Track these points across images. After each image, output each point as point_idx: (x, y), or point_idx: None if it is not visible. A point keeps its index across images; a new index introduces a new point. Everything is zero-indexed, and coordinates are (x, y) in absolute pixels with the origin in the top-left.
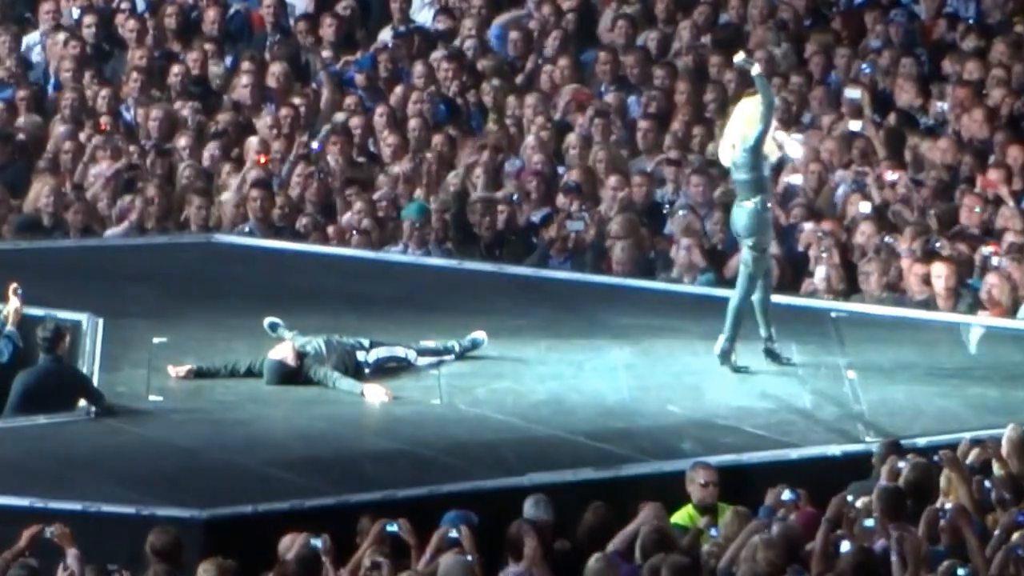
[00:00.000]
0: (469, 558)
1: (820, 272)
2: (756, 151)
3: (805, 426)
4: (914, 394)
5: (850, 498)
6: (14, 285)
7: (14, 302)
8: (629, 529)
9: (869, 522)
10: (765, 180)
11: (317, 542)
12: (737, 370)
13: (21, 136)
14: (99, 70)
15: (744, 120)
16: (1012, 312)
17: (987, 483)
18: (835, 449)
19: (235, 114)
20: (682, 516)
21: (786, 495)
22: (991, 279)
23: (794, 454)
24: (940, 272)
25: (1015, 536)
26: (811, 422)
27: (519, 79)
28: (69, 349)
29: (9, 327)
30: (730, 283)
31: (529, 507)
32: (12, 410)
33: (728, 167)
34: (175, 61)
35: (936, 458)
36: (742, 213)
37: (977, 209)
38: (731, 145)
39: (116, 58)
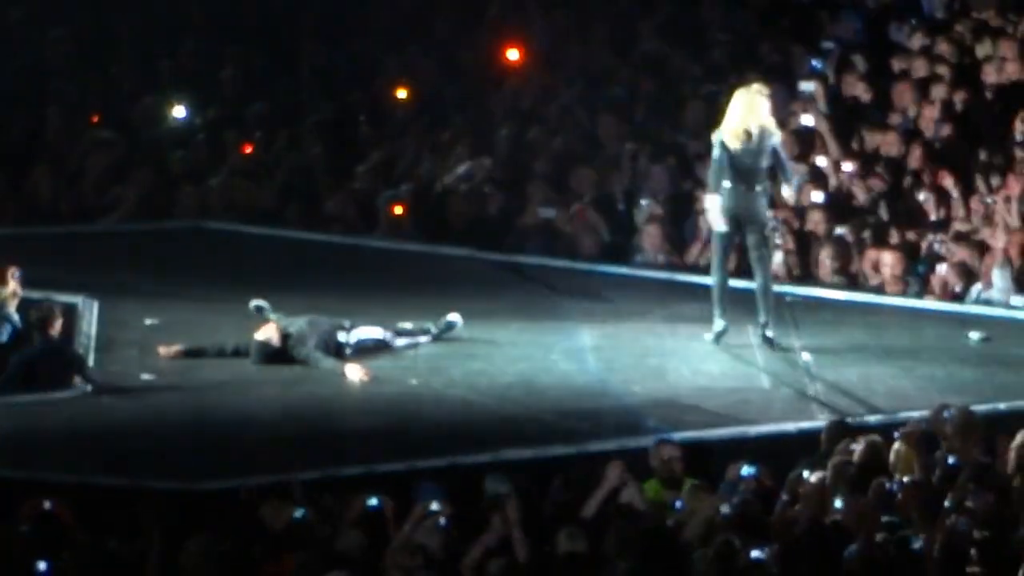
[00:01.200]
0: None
1: (776, 258)
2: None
3: (763, 405)
4: (866, 375)
5: (805, 473)
6: (12, 268)
7: (12, 284)
8: (600, 493)
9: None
10: None
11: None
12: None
13: None
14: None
15: (753, 110)
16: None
17: (933, 461)
18: (791, 426)
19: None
20: (647, 490)
21: (745, 470)
22: (941, 266)
23: (752, 431)
24: (888, 260)
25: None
26: (768, 401)
27: None
28: (65, 329)
29: (7, 309)
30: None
31: (491, 483)
32: (8, 387)
33: (731, 153)
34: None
35: (896, 434)
36: (758, 198)
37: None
38: (745, 132)
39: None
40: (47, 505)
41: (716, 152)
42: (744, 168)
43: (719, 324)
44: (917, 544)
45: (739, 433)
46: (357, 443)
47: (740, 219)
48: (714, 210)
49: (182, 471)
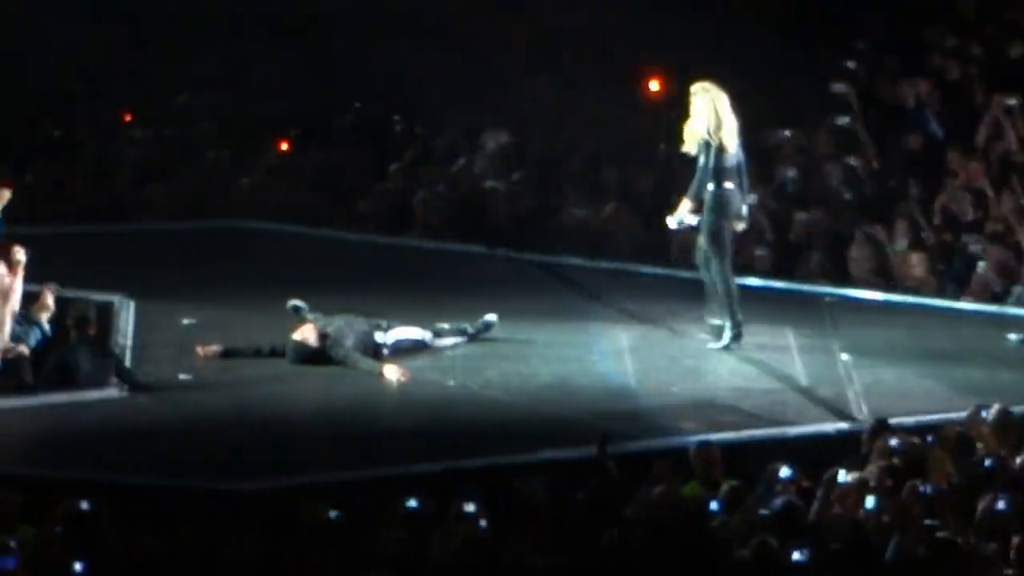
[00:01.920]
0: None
1: (814, 258)
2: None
3: (800, 405)
4: (903, 375)
5: (841, 474)
6: (53, 285)
7: (48, 300)
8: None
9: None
10: None
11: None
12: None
13: None
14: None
15: (718, 112)
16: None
17: (971, 462)
18: (829, 427)
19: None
20: (686, 492)
21: (784, 472)
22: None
23: (790, 432)
24: (920, 261)
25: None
26: (806, 402)
27: None
28: (102, 329)
29: (38, 316)
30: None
31: (523, 484)
32: (47, 387)
33: (729, 153)
34: None
35: (930, 438)
36: (738, 196)
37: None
38: (738, 131)
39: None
40: (84, 505)
41: (711, 154)
42: (733, 168)
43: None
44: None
45: (777, 434)
46: (394, 443)
47: (738, 219)
48: (689, 216)
49: (219, 471)
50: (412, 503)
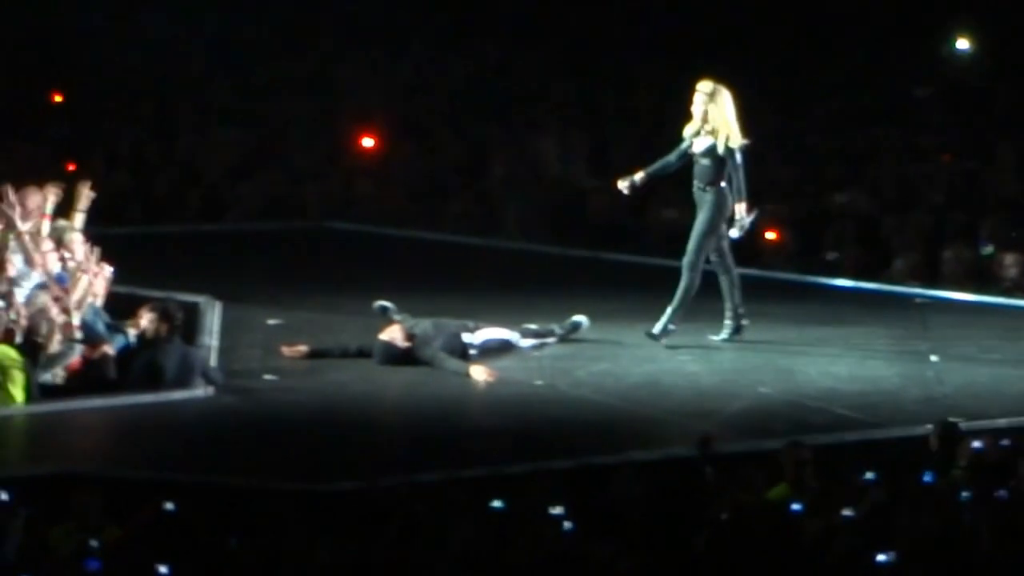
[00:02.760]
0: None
1: (903, 259)
2: None
3: (891, 407)
4: (996, 377)
5: (927, 477)
6: (153, 307)
7: (144, 319)
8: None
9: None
10: None
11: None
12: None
13: None
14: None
15: (725, 113)
16: None
17: None
18: (919, 430)
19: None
20: (776, 493)
21: (871, 474)
22: None
23: (880, 434)
24: (1015, 262)
25: None
26: (896, 403)
27: None
28: (188, 330)
29: (125, 327)
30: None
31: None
32: (133, 387)
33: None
34: None
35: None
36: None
37: None
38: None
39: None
40: (169, 506)
41: (739, 157)
42: (733, 169)
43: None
44: None
45: (867, 436)
46: (482, 444)
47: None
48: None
49: (305, 472)
50: (498, 504)
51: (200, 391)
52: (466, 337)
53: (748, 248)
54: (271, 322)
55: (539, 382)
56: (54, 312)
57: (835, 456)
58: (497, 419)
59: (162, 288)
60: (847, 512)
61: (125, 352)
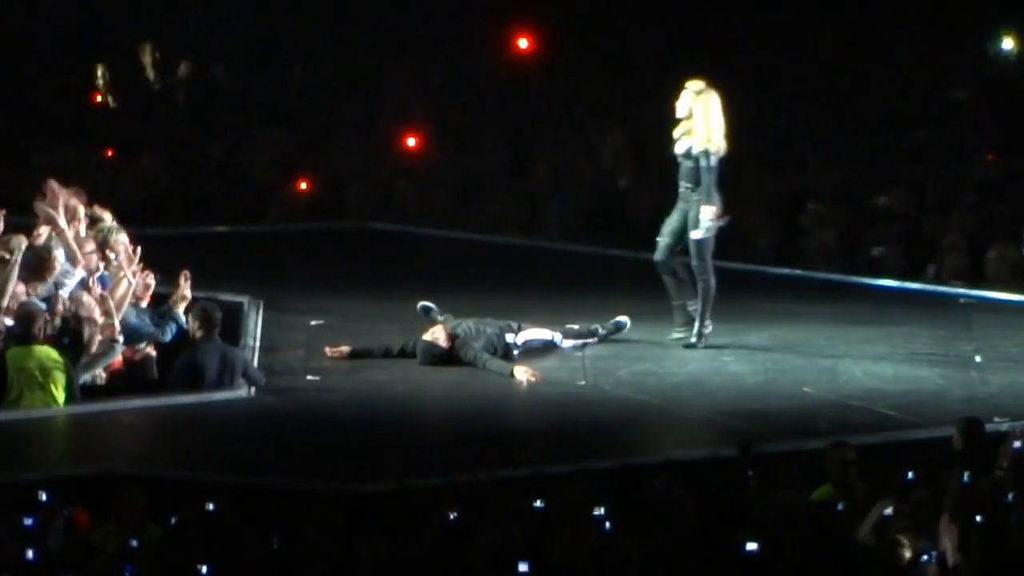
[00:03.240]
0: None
1: (946, 259)
2: None
3: (935, 407)
4: None
5: (966, 476)
6: (185, 271)
7: (184, 287)
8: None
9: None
10: None
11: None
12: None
13: None
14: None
15: (711, 114)
16: None
17: None
18: None
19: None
20: (820, 494)
21: (913, 473)
22: None
23: (924, 434)
24: None
25: None
26: (940, 403)
27: None
28: (230, 329)
29: (176, 310)
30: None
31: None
32: (174, 387)
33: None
34: None
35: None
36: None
37: None
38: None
39: None
40: (210, 506)
41: (713, 160)
42: (711, 171)
43: (709, 328)
44: None
45: (910, 436)
46: (524, 444)
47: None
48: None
49: (347, 472)
50: (539, 504)
51: (242, 392)
52: (509, 337)
53: (791, 248)
54: (313, 322)
55: (581, 382)
56: (96, 312)
57: (879, 456)
58: (539, 420)
59: (205, 288)
60: (888, 512)
61: (179, 339)
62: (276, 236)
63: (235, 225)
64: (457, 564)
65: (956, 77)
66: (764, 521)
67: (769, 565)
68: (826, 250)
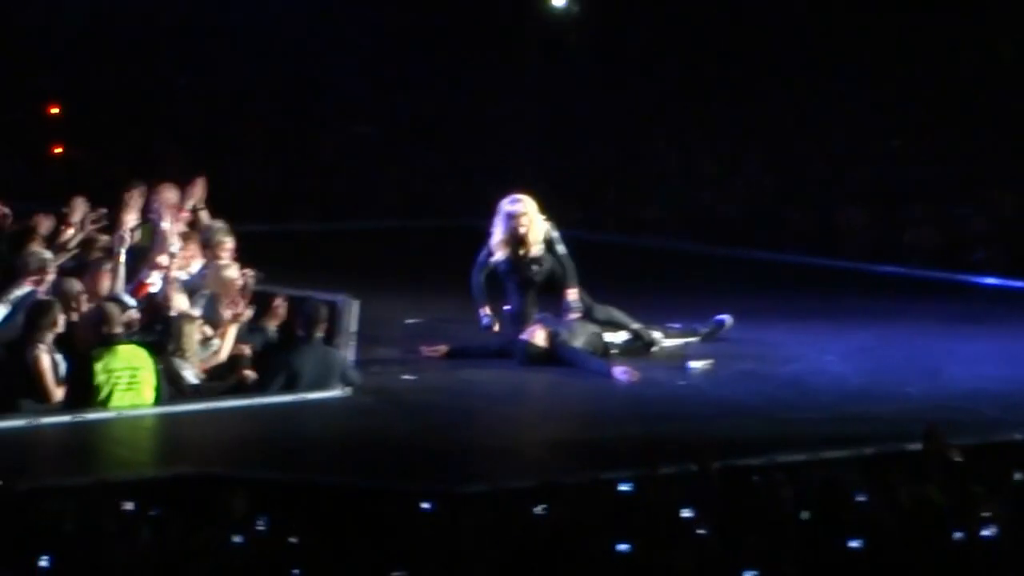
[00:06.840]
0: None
1: None
2: None
3: None
4: None
5: None
6: (282, 299)
7: (281, 307)
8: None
9: None
10: None
11: None
12: None
13: None
14: None
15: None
16: None
17: None
18: None
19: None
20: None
21: (1019, 475)
22: None
23: None
24: None
25: None
26: None
27: None
28: (326, 329)
29: (266, 323)
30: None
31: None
32: (272, 388)
33: None
34: None
35: None
36: None
37: None
38: None
39: None
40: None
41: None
42: None
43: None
44: None
45: (1014, 437)
46: (624, 445)
47: None
48: None
49: (444, 473)
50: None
51: (338, 391)
52: (608, 337)
53: (892, 246)
54: (409, 321)
55: (682, 382)
56: (192, 310)
57: (982, 457)
58: (639, 420)
59: (300, 287)
60: (987, 513)
61: (265, 350)
62: (372, 233)
63: (332, 223)
64: (556, 568)
65: None
66: (871, 519)
67: (873, 562)
68: (927, 248)
